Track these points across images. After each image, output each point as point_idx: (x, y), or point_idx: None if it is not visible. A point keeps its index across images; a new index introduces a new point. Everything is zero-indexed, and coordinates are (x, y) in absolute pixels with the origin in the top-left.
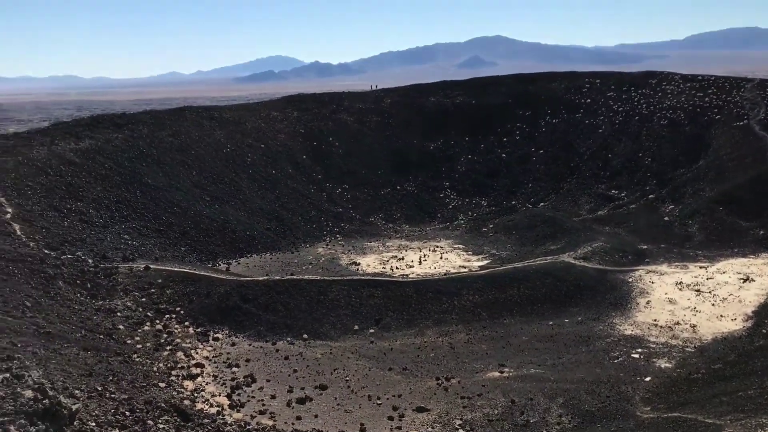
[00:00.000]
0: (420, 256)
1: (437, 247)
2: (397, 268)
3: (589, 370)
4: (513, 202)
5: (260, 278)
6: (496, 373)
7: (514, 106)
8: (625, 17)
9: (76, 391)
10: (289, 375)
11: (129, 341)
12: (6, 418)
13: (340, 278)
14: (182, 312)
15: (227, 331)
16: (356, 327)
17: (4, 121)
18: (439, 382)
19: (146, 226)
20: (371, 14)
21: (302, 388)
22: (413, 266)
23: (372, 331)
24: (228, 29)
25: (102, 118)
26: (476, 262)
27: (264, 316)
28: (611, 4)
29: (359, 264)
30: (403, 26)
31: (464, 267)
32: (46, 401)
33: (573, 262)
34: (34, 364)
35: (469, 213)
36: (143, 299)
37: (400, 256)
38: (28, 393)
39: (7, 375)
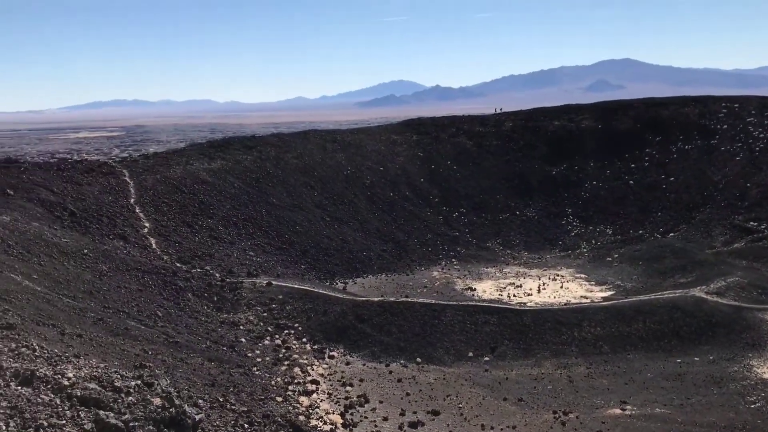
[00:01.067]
0: (539, 285)
1: (557, 275)
2: (514, 295)
3: (721, 414)
4: (640, 232)
5: (375, 299)
6: (618, 411)
7: (643, 131)
8: None
9: (200, 401)
10: (402, 398)
11: (250, 354)
12: (136, 423)
13: (455, 303)
14: (300, 328)
15: (342, 350)
16: (470, 354)
17: (146, 141)
18: (557, 415)
19: (270, 243)
20: (494, 38)
21: (414, 412)
22: (531, 294)
23: (487, 358)
24: (352, 56)
25: (233, 140)
26: (599, 293)
27: (378, 336)
28: (753, 24)
29: (475, 289)
30: (527, 49)
31: (586, 297)
32: (173, 410)
33: (705, 296)
34: (163, 371)
35: (593, 241)
36: (264, 314)
37: (518, 283)
38: (157, 401)
39: (139, 382)
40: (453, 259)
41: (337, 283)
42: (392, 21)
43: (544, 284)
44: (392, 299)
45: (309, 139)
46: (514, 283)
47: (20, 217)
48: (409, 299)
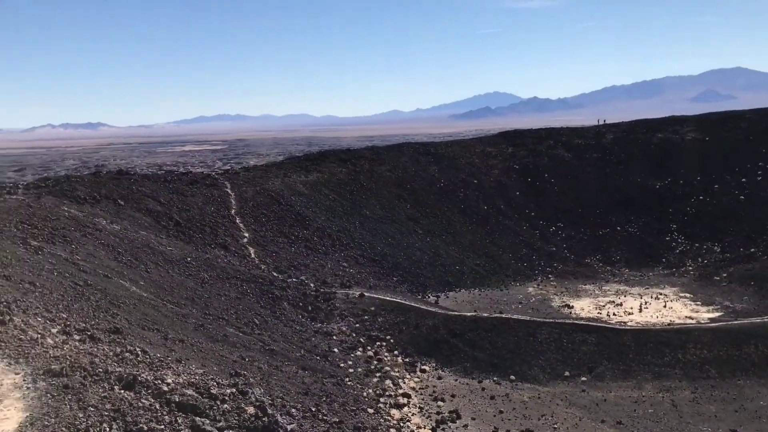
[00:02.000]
0: (640, 303)
1: (661, 294)
2: (614, 314)
3: None
4: (752, 250)
5: (468, 314)
6: None
7: (756, 144)
8: None
9: (293, 410)
10: (495, 415)
11: (342, 365)
12: (230, 431)
13: (551, 320)
14: (392, 341)
15: (434, 364)
16: (567, 373)
17: (247, 154)
18: None
19: (363, 255)
20: (595, 47)
21: (508, 431)
22: (632, 313)
23: (584, 379)
24: (447, 68)
25: (329, 153)
26: (706, 314)
27: (471, 352)
28: None
29: (572, 307)
30: (629, 59)
31: (691, 318)
32: (266, 419)
33: None
34: (258, 379)
35: (699, 259)
36: (357, 325)
37: (618, 301)
38: (251, 409)
39: (234, 390)
40: (549, 275)
41: (429, 297)
42: (488, 33)
43: (646, 303)
44: (486, 315)
45: (402, 151)
46: (613, 302)
47: (129, 226)
48: (504, 315)
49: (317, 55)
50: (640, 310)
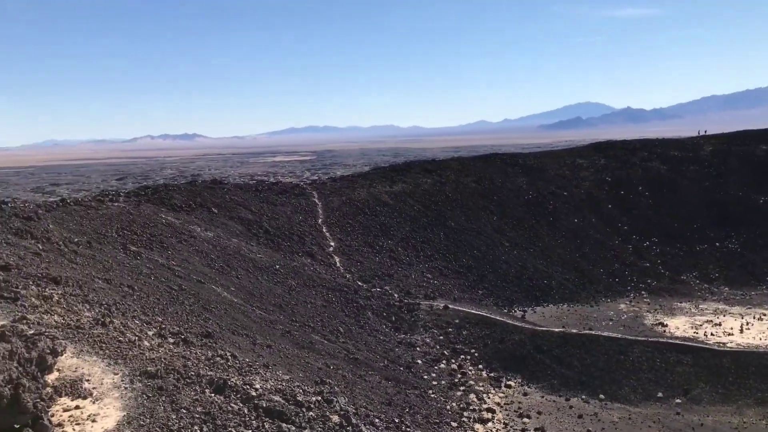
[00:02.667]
0: (742, 324)
1: (764, 315)
2: (712, 334)
3: None
4: None
5: (556, 329)
6: None
7: None
8: None
9: (376, 420)
10: None
11: (425, 376)
12: None
13: (644, 339)
14: (476, 354)
15: (520, 380)
16: (660, 394)
17: (334, 165)
18: None
19: (447, 266)
20: (692, 55)
21: None
22: (732, 334)
23: (678, 401)
24: (537, 78)
25: (414, 164)
26: None
27: (558, 369)
28: None
29: (666, 325)
30: (729, 67)
31: None
32: (350, 428)
33: None
34: (342, 387)
35: None
36: (441, 337)
37: (717, 321)
38: (335, 418)
39: (319, 398)
40: (642, 292)
41: (515, 311)
42: (581, 41)
43: (747, 324)
44: (575, 331)
45: (489, 162)
46: (712, 321)
47: (222, 234)
48: (593, 332)
49: (404, 66)
50: (741, 331)
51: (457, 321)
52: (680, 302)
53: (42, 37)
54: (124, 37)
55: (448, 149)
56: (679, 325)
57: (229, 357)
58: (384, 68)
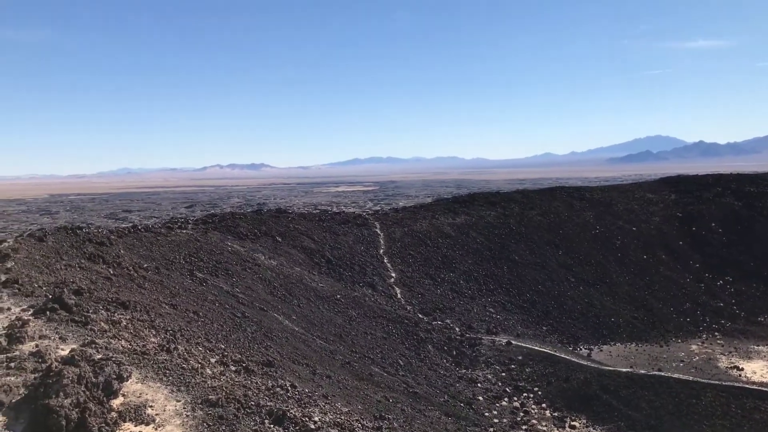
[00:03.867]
0: None
1: None
2: None
3: None
4: None
5: (623, 369)
6: None
7: None
8: None
9: None
10: None
11: (487, 414)
12: None
13: (717, 383)
14: (540, 393)
15: (585, 420)
16: None
17: (397, 196)
18: None
19: (510, 301)
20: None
21: None
22: None
23: None
24: (605, 110)
25: (477, 196)
26: None
27: (625, 411)
28: None
29: (742, 369)
30: None
31: None
32: None
33: None
34: (401, 422)
35: None
36: (503, 374)
37: None
38: None
39: None
40: (715, 333)
41: (580, 349)
42: (651, 74)
43: None
44: (643, 372)
45: (555, 195)
46: None
47: (285, 262)
48: (663, 373)
49: (469, 97)
50: None
51: (520, 357)
52: (757, 345)
53: (117, 70)
54: (196, 72)
55: (512, 181)
56: (756, 370)
57: (289, 387)
58: (449, 100)
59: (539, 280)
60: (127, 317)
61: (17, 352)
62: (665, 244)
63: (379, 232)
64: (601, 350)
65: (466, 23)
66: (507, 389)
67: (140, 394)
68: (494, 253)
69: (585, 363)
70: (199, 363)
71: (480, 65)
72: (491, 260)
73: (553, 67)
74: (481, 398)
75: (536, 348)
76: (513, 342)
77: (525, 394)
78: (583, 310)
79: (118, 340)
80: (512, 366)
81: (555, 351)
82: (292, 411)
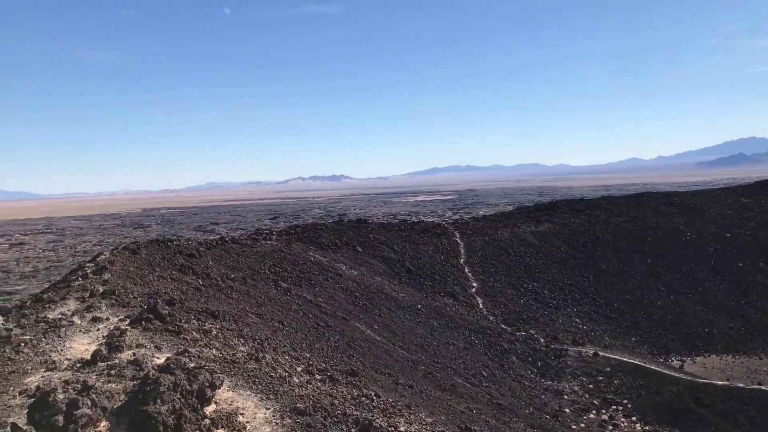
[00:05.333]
0: None
1: None
2: None
3: None
4: None
5: (719, 383)
6: None
7: None
8: None
9: None
10: None
11: (574, 426)
12: None
13: None
14: (629, 405)
15: None
16: None
17: (476, 204)
18: None
19: (597, 311)
20: None
21: None
22: None
23: None
24: (694, 112)
25: (561, 203)
26: None
27: (722, 425)
28: None
29: None
30: None
31: None
32: None
33: None
34: None
35: None
36: (590, 386)
37: None
38: None
39: None
40: None
41: (672, 360)
42: (745, 73)
43: None
44: (741, 385)
45: (642, 201)
46: None
47: (366, 272)
48: (763, 387)
49: (550, 102)
50: None
51: (608, 369)
52: None
53: (204, 88)
54: (278, 87)
55: (597, 188)
56: None
57: (374, 396)
58: (529, 105)
59: (627, 289)
60: (217, 327)
61: (116, 360)
62: (763, 251)
63: (459, 241)
64: (694, 362)
65: (549, 24)
66: (595, 401)
67: (231, 401)
68: (579, 262)
69: (677, 375)
70: (286, 372)
71: (562, 69)
72: (576, 269)
73: (637, 68)
74: (567, 410)
75: (625, 359)
76: (600, 353)
77: (614, 407)
78: (674, 320)
79: (210, 348)
80: (600, 378)
81: (645, 362)
82: (377, 420)
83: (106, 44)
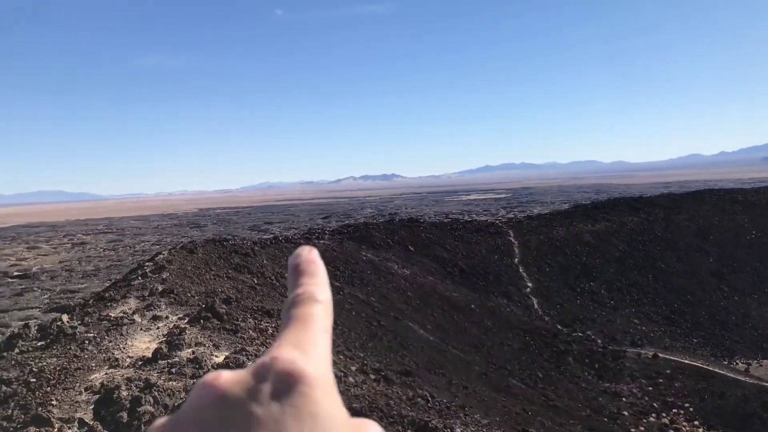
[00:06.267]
0: None
1: None
2: None
3: None
4: None
5: None
6: None
7: None
8: None
9: None
10: None
11: (633, 430)
12: None
13: None
14: (691, 409)
15: None
16: None
17: (531, 203)
18: None
19: (657, 312)
20: None
21: None
22: None
23: None
24: (757, 104)
25: (618, 201)
26: None
27: None
28: None
29: None
30: None
31: None
32: None
33: None
34: None
35: None
36: (650, 388)
37: None
38: None
39: None
40: None
41: (737, 363)
42: None
43: None
44: None
45: (704, 199)
46: None
47: (418, 272)
48: None
49: (607, 96)
50: None
51: (668, 371)
52: None
53: (260, 90)
54: (330, 87)
55: (656, 185)
56: None
57: (428, 397)
58: (586, 100)
59: (688, 290)
60: (273, 325)
61: (177, 359)
62: None
63: (513, 240)
64: (761, 365)
65: (607, 14)
66: (654, 404)
67: None
68: (638, 261)
69: (743, 378)
70: (341, 371)
71: (619, 63)
72: (635, 269)
73: (698, 59)
74: (626, 413)
75: (686, 361)
76: (660, 355)
77: (675, 410)
78: (739, 322)
79: (266, 347)
80: (660, 380)
81: (708, 365)
82: (433, 422)
83: (162, 49)
